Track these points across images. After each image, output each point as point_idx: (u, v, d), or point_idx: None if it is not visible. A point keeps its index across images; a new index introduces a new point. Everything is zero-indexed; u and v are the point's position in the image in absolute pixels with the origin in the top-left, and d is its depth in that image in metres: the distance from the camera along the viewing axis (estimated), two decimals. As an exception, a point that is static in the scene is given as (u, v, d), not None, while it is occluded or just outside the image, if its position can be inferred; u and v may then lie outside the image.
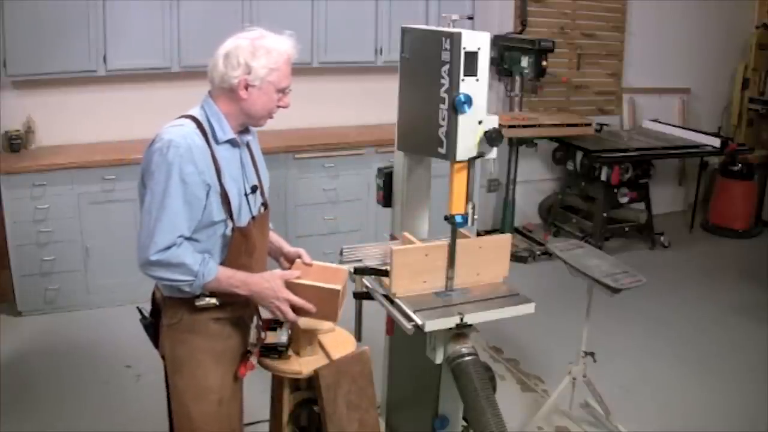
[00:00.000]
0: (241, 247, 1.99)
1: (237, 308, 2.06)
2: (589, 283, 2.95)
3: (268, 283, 1.98)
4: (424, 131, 2.24)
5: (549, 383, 3.58)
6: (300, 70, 5.21)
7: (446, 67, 2.12)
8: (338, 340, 2.45)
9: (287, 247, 2.27)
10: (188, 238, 1.89)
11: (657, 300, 4.57)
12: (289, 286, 2.04)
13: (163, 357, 2.09)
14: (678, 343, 4.13)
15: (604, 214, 5.44)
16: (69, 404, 3.32)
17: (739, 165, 5.97)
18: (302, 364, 2.35)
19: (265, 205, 2.14)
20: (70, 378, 3.54)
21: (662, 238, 5.74)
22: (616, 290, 2.83)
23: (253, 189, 2.06)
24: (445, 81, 2.13)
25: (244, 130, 2.06)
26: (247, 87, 1.93)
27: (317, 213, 4.78)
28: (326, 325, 2.45)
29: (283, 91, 1.99)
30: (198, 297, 1.96)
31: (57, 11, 4.04)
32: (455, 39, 2.09)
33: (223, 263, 1.96)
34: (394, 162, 2.61)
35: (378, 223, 4.63)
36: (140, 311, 2.13)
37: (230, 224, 1.95)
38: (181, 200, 1.85)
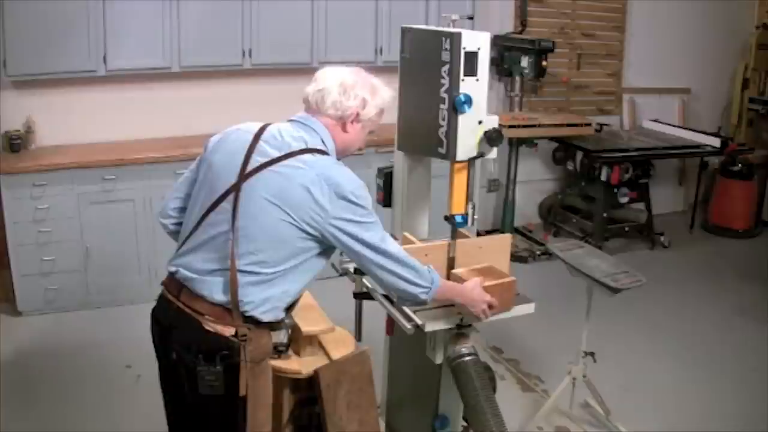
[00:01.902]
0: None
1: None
2: (589, 283, 2.95)
3: (474, 291, 2.09)
4: (424, 131, 2.24)
5: (549, 383, 3.58)
6: (300, 70, 5.22)
7: (446, 67, 2.12)
8: (338, 340, 2.45)
9: None
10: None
11: (657, 300, 4.57)
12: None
13: (229, 399, 1.87)
14: (678, 343, 4.13)
15: (604, 214, 5.44)
16: (69, 404, 3.32)
17: (739, 165, 5.97)
18: (302, 364, 2.35)
19: None
20: (70, 378, 3.54)
21: (662, 238, 5.73)
22: (615, 290, 2.83)
23: None
24: (445, 81, 2.13)
25: None
26: (355, 121, 1.97)
27: (317, 213, 4.77)
28: (325, 325, 2.45)
29: (369, 133, 2.06)
30: (279, 321, 1.94)
31: (57, 11, 4.03)
32: (455, 39, 2.09)
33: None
34: (394, 162, 2.60)
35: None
36: (200, 362, 1.83)
37: None
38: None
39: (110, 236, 4.18)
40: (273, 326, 1.94)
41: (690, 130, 6.00)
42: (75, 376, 3.57)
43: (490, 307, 2.12)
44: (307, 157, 1.86)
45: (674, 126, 6.15)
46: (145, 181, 4.19)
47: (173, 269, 1.93)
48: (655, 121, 6.23)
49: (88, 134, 4.48)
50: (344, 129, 1.97)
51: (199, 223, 1.91)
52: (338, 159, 2.00)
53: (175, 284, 1.92)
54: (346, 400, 2.28)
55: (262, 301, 1.85)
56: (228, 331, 1.84)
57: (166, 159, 4.22)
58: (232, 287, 1.81)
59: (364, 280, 2.38)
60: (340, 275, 2.56)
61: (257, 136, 1.91)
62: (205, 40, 4.41)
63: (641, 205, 5.67)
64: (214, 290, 1.84)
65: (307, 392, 2.42)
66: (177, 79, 4.50)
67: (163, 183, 4.17)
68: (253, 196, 1.82)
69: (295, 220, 1.81)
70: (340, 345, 2.43)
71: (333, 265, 2.45)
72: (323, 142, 1.95)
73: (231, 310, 1.83)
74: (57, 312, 4.20)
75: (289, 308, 1.98)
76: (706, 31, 6.35)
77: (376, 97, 1.97)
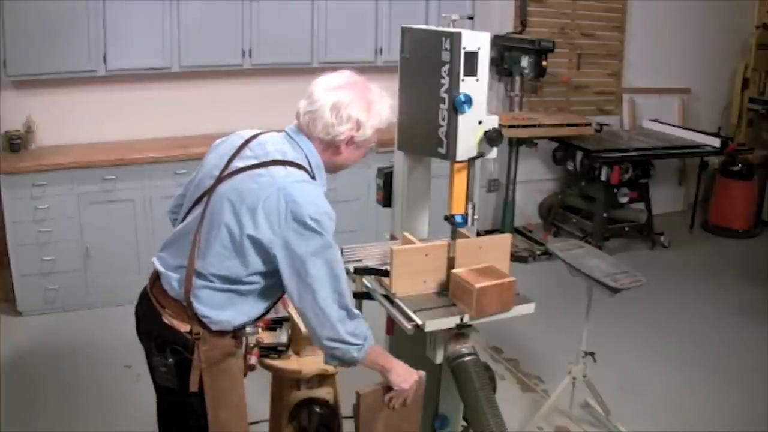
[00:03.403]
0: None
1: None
2: (589, 283, 2.95)
3: (408, 370, 2.02)
4: (424, 131, 2.24)
5: (549, 383, 3.58)
6: (300, 70, 5.22)
7: (446, 67, 2.12)
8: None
9: None
10: None
11: (657, 300, 4.58)
12: (482, 291, 2.08)
13: (184, 393, 1.90)
14: (678, 343, 4.13)
15: (604, 214, 5.44)
16: (69, 404, 3.32)
17: (739, 165, 5.97)
18: (302, 364, 2.35)
19: None
20: (70, 378, 3.54)
21: (662, 238, 5.73)
22: (615, 290, 2.83)
23: None
24: (445, 81, 2.13)
25: None
26: (349, 143, 1.89)
27: (317, 213, 4.77)
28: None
29: (370, 149, 2.00)
30: (244, 327, 1.94)
31: (57, 11, 4.03)
32: (455, 39, 2.09)
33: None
34: (394, 162, 2.60)
35: (378, 223, 4.62)
36: (152, 350, 1.92)
37: None
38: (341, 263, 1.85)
39: (110, 236, 4.18)
40: (235, 333, 1.93)
41: (690, 130, 6.00)
42: (75, 376, 3.57)
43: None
44: (277, 169, 1.81)
45: (674, 126, 6.15)
46: (145, 181, 4.20)
47: (153, 262, 1.99)
48: (655, 121, 6.23)
49: (88, 134, 4.48)
50: (337, 152, 1.91)
51: (183, 220, 1.95)
52: (330, 173, 1.98)
53: (152, 277, 1.98)
54: (385, 424, 2.14)
55: (215, 312, 1.85)
56: (184, 327, 1.86)
57: (166, 159, 4.22)
58: (186, 286, 1.84)
59: (364, 280, 2.38)
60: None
61: (246, 142, 1.91)
62: (205, 40, 4.41)
63: (641, 205, 5.67)
64: (175, 286, 1.87)
65: (307, 392, 2.42)
66: (177, 79, 4.50)
67: (163, 183, 4.17)
68: (221, 199, 1.82)
69: (249, 228, 1.77)
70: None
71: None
72: (307, 158, 1.88)
73: (186, 308, 1.86)
74: (57, 312, 4.20)
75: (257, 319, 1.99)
76: (706, 31, 6.35)
77: (372, 116, 1.87)
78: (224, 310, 1.86)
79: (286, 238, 1.75)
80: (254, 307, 1.92)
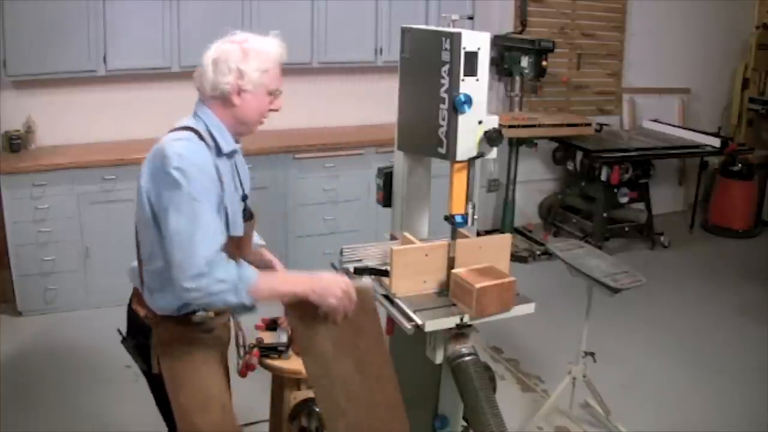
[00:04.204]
0: (232, 256, 1.87)
1: (219, 318, 2.03)
2: (589, 283, 2.95)
3: (325, 276, 1.83)
4: (424, 131, 2.24)
5: (549, 383, 3.58)
6: (300, 70, 5.23)
7: (446, 67, 2.12)
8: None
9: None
10: None
11: (657, 300, 4.58)
12: (482, 291, 2.04)
13: (152, 376, 2.03)
14: (678, 342, 4.13)
15: (604, 214, 5.44)
16: (69, 404, 3.32)
17: (739, 165, 5.97)
18: (302, 364, 2.35)
19: (250, 213, 2.07)
20: (70, 378, 3.54)
21: (662, 238, 5.74)
22: (615, 290, 2.83)
23: (244, 198, 2.03)
24: (445, 81, 2.13)
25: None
26: (240, 92, 1.86)
27: (317, 213, 4.78)
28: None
29: (274, 94, 1.93)
30: (194, 313, 1.93)
31: (57, 11, 4.04)
32: (455, 39, 2.09)
33: None
34: (394, 162, 2.60)
35: (378, 223, 4.62)
36: (121, 333, 2.07)
37: (225, 235, 1.87)
38: (210, 213, 1.79)
39: (110, 236, 4.18)
40: (186, 318, 1.94)
41: (690, 130, 6.00)
42: (75, 376, 3.57)
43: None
44: (167, 135, 1.87)
45: (674, 126, 6.15)
46: (145, 181, 4.19)
47: None
48: (655, 121, 6.23)
49: (88, 134, 4.48)
50: (232, 104, 1.88)
51: None
52: (245, 133, 1.97)
53: None
54: (332, 338, 1.89)
55: (155, 296, 1.93)
56: (142, 312, 1.97)
57: (166, 159, 4.22)
58: (139, 273, 1.97)
59: (364, 280, 2.38)
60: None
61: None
62: (205, 40, 4.36)
63: (641, 205, 5.67)
64: (133, 274, 2.02)
65: (307, 392, 2.42)
66: (177, 79, 4.49)
67: (163, 183, 4.17)
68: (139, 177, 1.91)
69: (143, 189, 1.86)
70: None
71: (332, 265, 2.45)
72: (205, 123, 1.89)
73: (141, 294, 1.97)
74: (57, 312, 4.20)
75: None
76: (706, 31, 6.35)
77: (251, 59, 1.85)
78: (162, 294, 1.91)
79: (157, 191, 1.81)
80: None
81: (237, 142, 1.98)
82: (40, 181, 4.03)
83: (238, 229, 1.96)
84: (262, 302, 1.79)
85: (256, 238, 2.22)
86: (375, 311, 1.89)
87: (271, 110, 1.95)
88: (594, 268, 2.94)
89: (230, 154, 1.95)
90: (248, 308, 1.80)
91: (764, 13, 6.53)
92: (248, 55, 1.85)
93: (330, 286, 1.80)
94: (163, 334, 1.95)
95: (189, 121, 1.91)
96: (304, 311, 1.82)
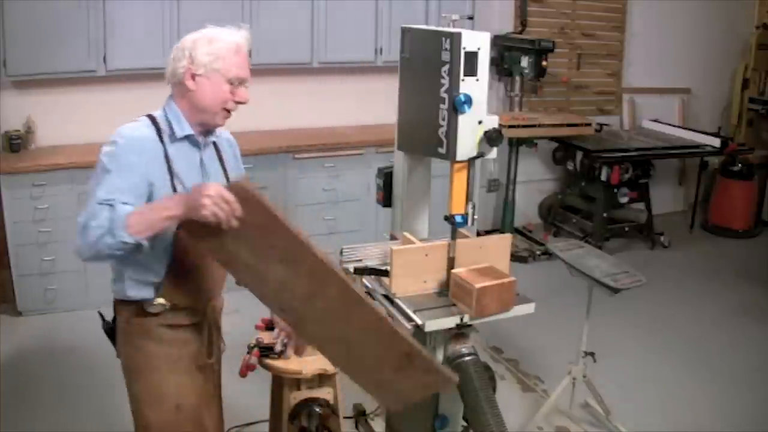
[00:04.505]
0: (188, 244, 1.87)
1: (194, 314, 2.01)
2: (589, 283, 2.95)
3: (196, 186, 1.70)
4: (424, 131, 2.24)
5: (549, 383, 3.58)
6: (300, 70, 5.22)
7: (446, 67, 2.12)
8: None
9: None
10: None
11: (657, 300, 4.58)
12: (482, 291, 2.04)
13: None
14: (678, 342, 4.13)
15: (604, 214, 5.44)
16: (69, 404, 3.32)
17: (739, 165, 5.97)
18: (302, 364, 2.35)
19: None
20: (70, 378, 3.54)
21: (662, 238, 5.74)
22: (616, 290, 2.83)
23: None
24: (445, 81, 2.13)
25: (208, 132, 2.01)
26: (193, 77, 1.90)
27: (317, 213, 4.78)
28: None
29: (233, 83, 1.92)
30: (147, 302, 1.93)
31: (57, 11, 4.04)
32: (455, 39, 2.09)
33: (170, 264, 1.91)
34: (394, 162, 2.60)
35: (378, 223, 4.63)
36: (101, 316, 2.11)
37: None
38: (121, 181, 1.80)
39: (110, 236, 4.18)
40: (143, 309, 1.95)
41: (690, 130, 6.00)
42: (75, 376, 3.57)
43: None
44: None
45: (674, 126, 6.15)
46: (145, 181, 4.19)
47: None
48: (655, 121, 6.23)
49: (88, 134, 4.47)
50: (187, 89, 1.92)
51: None
52: (209, 122, 1.95)
53: None
54: (244, 246, 1.71)
55: (114, 283, 1.97)
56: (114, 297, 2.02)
57: (166, 159, 4.22)
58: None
59: (364, 280, 2.38)
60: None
61: None
62: (204, 40, 4.40)
63: (641, 205, 5.67)
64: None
65: (307, 392, 2.42)
66: (177, 79, 4.50)
67: (163, 183, 4.17)
68: None
69: None
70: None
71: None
72: (165, 111, 1.96)
73: None
74: (57, 312, 4.20)
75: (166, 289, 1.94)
76: (706, 31, 6.36)
77: (200, 44, 1.91)
78: (119, 280, 1.95)
79: None
80: (142, 275, 1.92)
81: (210, 134, 2.00)
82: (39, 181, 4.03)
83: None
84: (144, 236, 1.71)
85: None
86: (262, 204, 1.66)
87: (237, 102, 1.95)
88: (594, 268, 2.94)
89: (192, 141, 1.95)
90: (136, 247, 1.72)
91: (764, 13, 6.53)
92: (200, 41, 1.92)
93: (194, 196, 1.64)
94: (124, 322, 2.00)
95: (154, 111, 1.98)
96: (195, 229, 1.70)
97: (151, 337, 1.97)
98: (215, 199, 1.61)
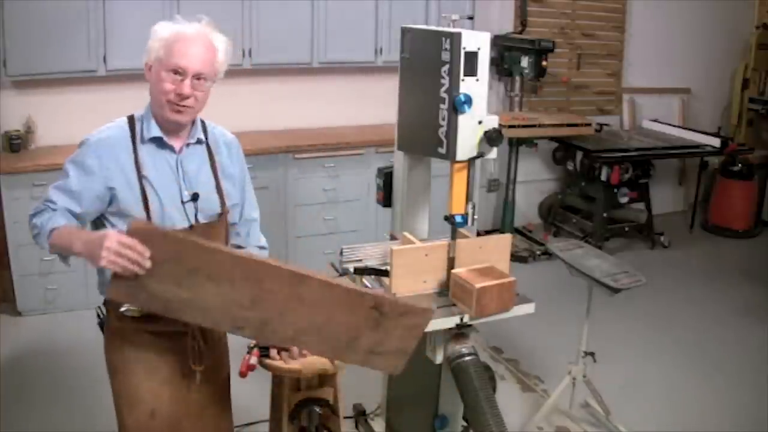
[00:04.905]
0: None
1: (174, 322, 1.87)
2: (589, 283, 2.95)
3: (99, 234, 1.67)
4: (424, 131, 2.24)
5: (549, 383, 3.58)
6: (300, 70, 5.22)
7: (446, 67, 2.12)
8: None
9: None
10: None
11: (657, 300, 4.58)
12: (482, 291, 2.04)
13: None
14: (678, 342, 4.13)
15: (604, 214, 5.44)
16: (69, 404, 3.32)
17: (739, 165, 5.97)
18: (302, 364, 2.34)
19: (221, 215, 1.99)
20: (70, 378, 3.54)
21: (662, 238, 5.74)
22: (616, 290, 2.83)
23: (194, 197, 1.92)
24: (445, 81, 2.13)
25: (181, 130, 1.93)
26: (149, 68, 1.89)
27: (317, 213, 4.78)
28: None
29: (174, 72, 1.82)
30: (118, 305, 1.92)
31: (57, 11, 4.04)
32: (455, 39, 2.09)
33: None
34: (394, 162, 2.61)
35: (378, 223, 4.63)
36: (98, 311, 2.12)
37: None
38: (75, 184, 1.87)
39: (110, 236, 4.18)
40: (122, 312, 1.94)
41: (690, 130, 6.00)
42: (75, 375, 3.56)
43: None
44: None
45: (674, 126, 6.15)
46: (145, 181, 4.19)
47: None
48: (655, 121, 6.23)
49: (88, 134, 4.48)
50: (147, 81, 1.92)
51: None
52: (163, 117, 1.90)
53: None
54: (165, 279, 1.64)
55: (98, 276, 1.97)
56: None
57: (166, 159, 4.22)
58: None
59: (364, 280, 2.38)
60: (340, 275, 2.56)
61: None
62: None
63: (641, 205, 5.67)
64: None
65: (307, 392, 2.42)
66: (177, 79, 4.50)
67: (163, 183, 4.17)
68: None
69: None
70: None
71: (332, 265, 2.45)
72: (142, 113, 1.96)
73: None
74: (57, 312, 4.20)
75: None
76: (706, 31, 6.36)
77: (152, 38, 1.90)
78: (100, 274, 1.99)
79: None
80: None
81: (186, 132, 1.95)
82: (39, 181, 4.02)
83: (169, 223, 1.89)
84: (60, 254, 1.87)
85: (260, 242, 2.18)
86: (165, 234, 1.63)
87: (179, 95, 1.83)
88: (594, 268, 2.94)
89: (158, 144, 1.91)
90: (62, 257, 1.86)
91: (764, 13, 6.53)
92: (153, 33, 1.91)
93: (93, 248, 1.62)
94: (109, 321, 2.03)
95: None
96: (119, 293, 1.71)
97: (132, 341, 1.96)
98: (114, 249, 1.56)
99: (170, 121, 1.88)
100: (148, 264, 1.57)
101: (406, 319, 1.79)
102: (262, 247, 2.19)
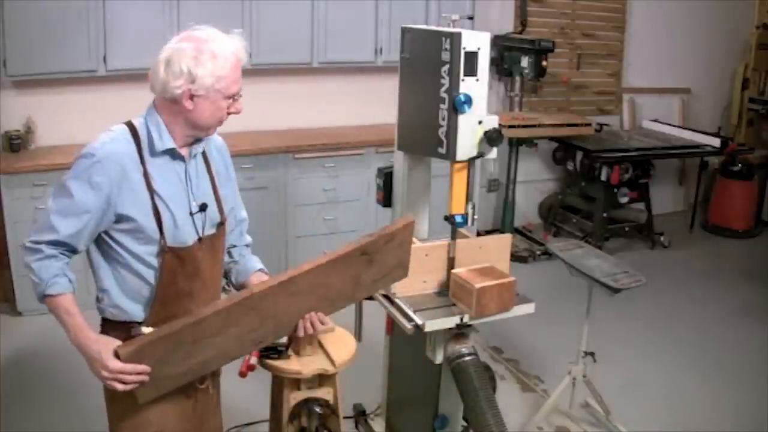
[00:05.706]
0: (176, 269, 1.80)
1: None
2: (589, 283, 2.95)
3: (98, 345, 1.72)
4: (424, 131, 2.24)
5: (549, 383, 3.58)
6: (300, 70, 5.22)
7: (446, 67, 2.13)
8: (338, 340, 2.45)
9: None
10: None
11: (657, 300, 4.58)
12: (482, 291, 2.03)
13: None
14: (678, 342, 4.13)
15: (604, 214, 5.44)
16: (69, 404, 3.32)
17: (739, 165, 5.97)
18: (302, 364, 2.35)
19: (221, 224, 1.92)
20: (70, 378, 3.54)
21: (662, 238, 5.74)
22: (616, 290, 2.83)
23: (202, 207, 1.84)
24: (445, 81, 2.13)
25: (195, 141, 1.84)
26: (192, 97, 1.71)
27: (317, 213, 4.78)
28: (326, 325, 2.45)
29: (233, 98, 1.78)
30: (134, 326, 1.86)
31: (57, 11, 4.03)
32: (455, 39, 2.09)
33: (158, 285, 1.80)
34: (394, 162, 2.61)
35: (378, 223, 4.62)
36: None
37: (162, 243, 1.76)
38: (79, 207, 1.73)
39: (110, 236, 4.18)
40: (126, 326, 1.88)
41: (690, 130, 6.00)
42: (75, 376, 3.56)
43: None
44: None
45: (674, 126, 6.15)
46: (145, 181, 4.19)
47: None
48: (655, 121, 6.23)
49: (88, 134, 4.43)
50: (183, 108, 1.73)
51: None
52: (200, 136, 1.83)
53: None
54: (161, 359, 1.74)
55: (98, 292, 1.93)
56: None
57: (166, 159, 4.22)
58: None
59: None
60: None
61: None
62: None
63: (641, 205, 5.67)
64: None
65: (307, 392, 2.42)
66: (177, 79, 4.50)
67: (163, 183, 4.17)
68: None
69: None
70: (341, 345, 2.42)
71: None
72: (146, 119, 1.79)
73: None
74: (57, 312, 4.19)
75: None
76: (706, 31, 6.35)
77: (204, 65, 1.69)
78: (99, 287, 1.96)
79: None
80: (107, 280, 1.92)
81: (199, 141, 1.84)
82: (39, 181, 4.03)
83: (182, 238, 1.81)
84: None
85: (253, 261, 2.08)
86: (155, 341, 1.69)
87: (230, 113, 1.80)
88: (594, 268, 2.94)
89: (172, 155, 1.80)
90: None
91: (764, 13, 6.53)
92: (201, 58, 1.70)
93: (93, 364, 1.76)
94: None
95: (134, 118, 1.83)
96: (127, 400, 1.83)
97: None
98: (114, 375, 1.66)
99: (210, 133, 1.85)
100: (146, 378, 1.67)
101: (393, 242, 1.86)
102: (247, 245, 2.12)
